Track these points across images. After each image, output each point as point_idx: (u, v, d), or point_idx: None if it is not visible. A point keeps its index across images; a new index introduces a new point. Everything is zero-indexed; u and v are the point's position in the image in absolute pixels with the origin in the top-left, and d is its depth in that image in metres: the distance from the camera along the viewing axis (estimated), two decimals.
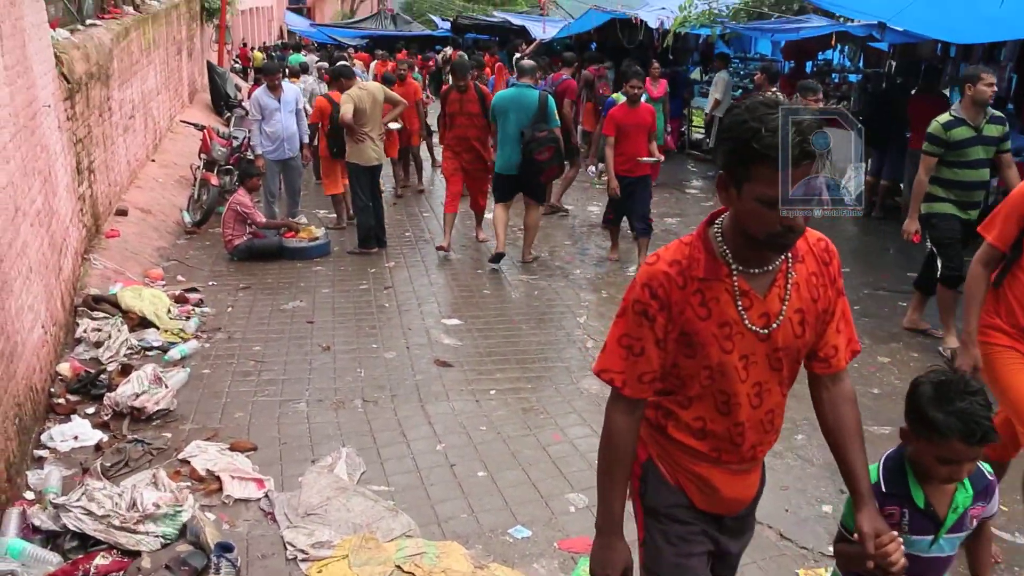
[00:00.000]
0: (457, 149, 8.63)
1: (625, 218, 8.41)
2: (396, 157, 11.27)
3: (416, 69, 15.73)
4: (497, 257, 8.27)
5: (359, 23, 31.31)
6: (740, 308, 2.06)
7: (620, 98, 8.37)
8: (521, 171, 7.99)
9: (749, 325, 2.07)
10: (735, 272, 2.06)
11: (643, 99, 8.16)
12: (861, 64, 13.83)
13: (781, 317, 2.08)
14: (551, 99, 8.18)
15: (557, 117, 8.15)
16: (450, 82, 9.28)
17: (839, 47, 13.49)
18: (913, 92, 9.76)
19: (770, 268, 2.08)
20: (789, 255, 2.09)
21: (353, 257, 8.72)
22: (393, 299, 7.47)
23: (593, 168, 10.61)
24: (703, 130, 15.08)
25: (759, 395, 2.15)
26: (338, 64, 11.06)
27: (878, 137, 9.53)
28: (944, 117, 6.02)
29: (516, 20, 20.37)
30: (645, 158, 8.03)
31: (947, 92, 10.14)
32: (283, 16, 45.03)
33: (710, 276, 2.06)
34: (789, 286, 2.09)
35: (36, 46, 6.15)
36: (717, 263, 2.06)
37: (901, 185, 10.22)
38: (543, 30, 17.77)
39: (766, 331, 2.09)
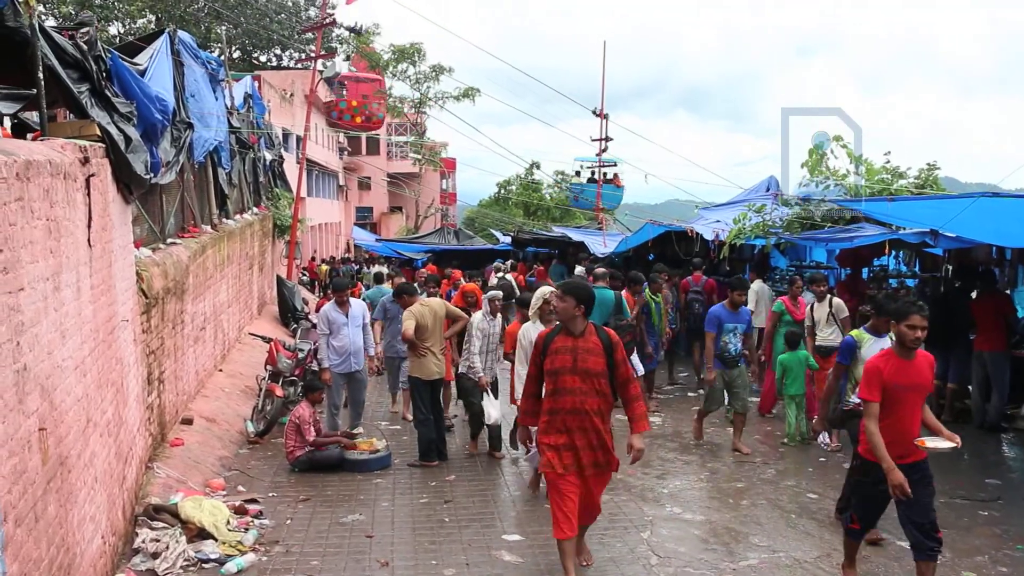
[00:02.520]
0: (567, 426, 5.51)
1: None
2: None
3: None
4: None
5: (423, 238, 32.69)
6: None
7: (864, 337, 6.99)
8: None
9: None
10: None
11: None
12: (917, 268, 13.87)
13: None
14: (623, 297, 10.50)
15: (627, 310, 10.46)
16: (516, 316, 8.94)
17: (894, 253, 13.60)
18: (974, 295, 9.81)
19: None
20: None
21: (413, 470, 8.64)
22: (453, 513, 7.30)
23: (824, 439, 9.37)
24: None
25: None
26: (402, 283, 11.46)
27: (941, 340, 9.43)
28: None
29: (575, 235, 21.06)
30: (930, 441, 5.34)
31: (1009, 292, 10.13)
32: (351, 231, 47.43)
33: None
34: None
35: (120, 265, 6.53)
36: None
37: (969, 387, 10.01)
38: (603, 244, 18.30)
39: None
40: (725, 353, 9.10)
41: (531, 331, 7.70)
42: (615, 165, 41.54)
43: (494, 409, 8.78)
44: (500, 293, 9.24)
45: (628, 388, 5.58)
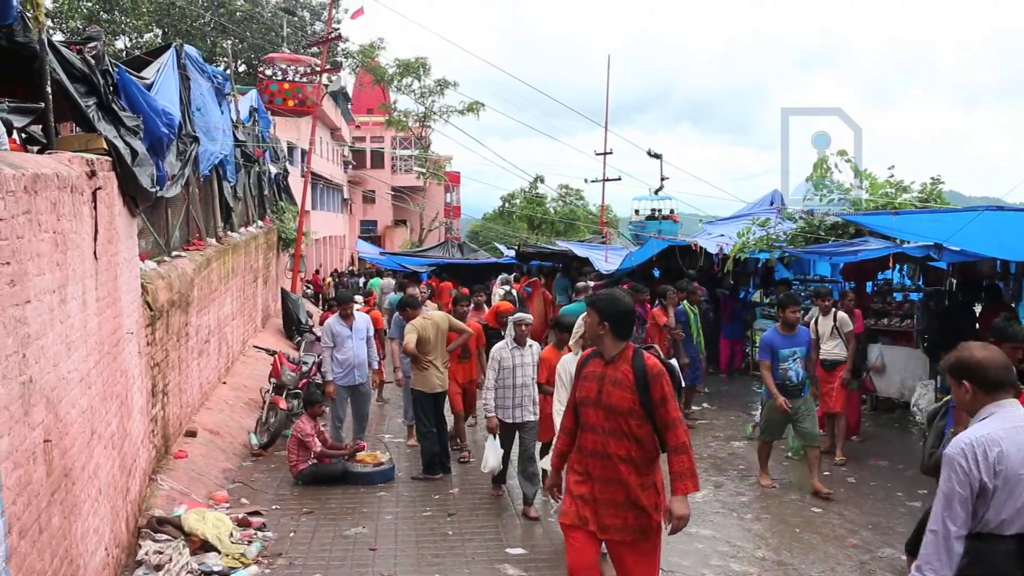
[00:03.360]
0: (588, 472, 4.50)
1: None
2: (462, 412, 9.80)
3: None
4: None
5: (427, 251, 32.73)
6: None
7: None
8: None
9: None
10: None
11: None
12: (921, 282, 13.86)
13: None
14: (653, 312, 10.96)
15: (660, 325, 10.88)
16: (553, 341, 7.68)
17: (898, 267, 13.60)
18: (980, 309, 9.79)
19: None
20: None
21: (417, 483, 8.63)
22: (457, 527, 7.29)
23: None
24: None
25: None
26: (405, 295, 11.47)
27: (944, 354, 9.39)
28: None
29: (579, 250, 21.07)
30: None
31: (1013, 306, 10.11)
32: (355, 244, 47.54)
33: None
34: None
35: (126, 277, 6.55)
36: None
37: None
38: (605, 259, 18.30)
39: None
40: (787, 382, 8.09)
41: (571, 363, 6.07)
42: (671, 200, 43.83)
43: (493, 456, 7.68)
44: (528, 317, 8.06)
45: (669, 435, 4.29)
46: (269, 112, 23.46)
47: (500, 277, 22.15)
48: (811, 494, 7.95)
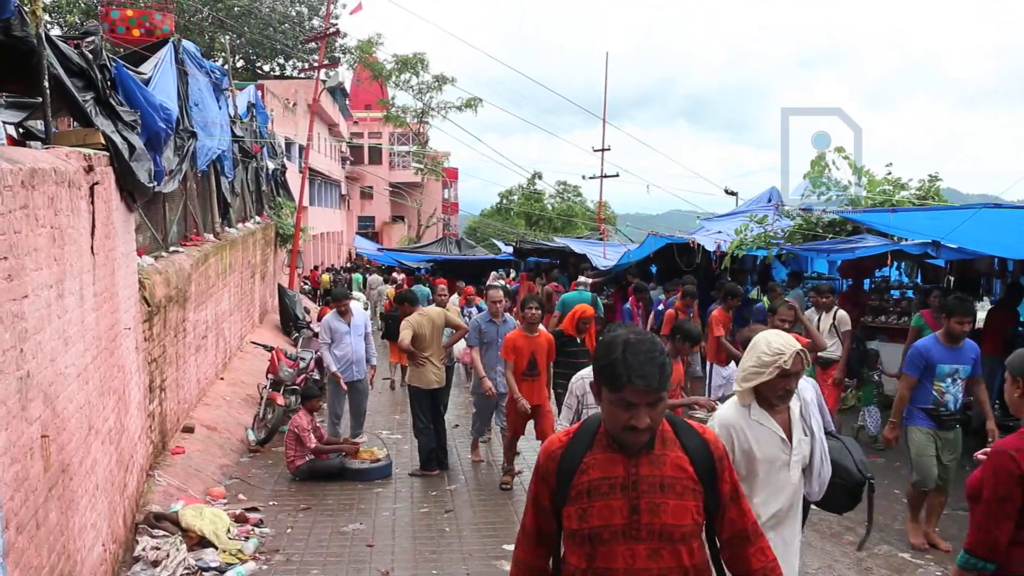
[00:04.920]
0: None
1: None
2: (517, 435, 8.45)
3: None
4: None
5: (424, 247, 32.74)
6: None
7: None
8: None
9: None
10: None
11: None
12: (919, 280, 13.88)
13: None
14: (598, 297, 11.96)
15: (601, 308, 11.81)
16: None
17: (896, 264, 13.62)
18: (994, 303, 9.91)
19: None
20: None
21: (414, 479, 8.63)
22: (454, 523, 7.29)
23: None
24: None
25: None
26: (403, 291, 11.48)
27: None
28: None
29: (577, 247, 21.10)
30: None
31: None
32: (352, 240, 47.54)
33: None
34: None
35: (123, 273, 6.54)
36: None
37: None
38: (603, 255, 18.31)
39: None
40: (940, 408, 6.33)
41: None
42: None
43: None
44: (499, 292, 8.87)
45: (752, 552, 2.64)
46: (269, 110, 23.41)
47: (492, 274, 22.21)
48: (928, 544, 6.47)
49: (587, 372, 5.56)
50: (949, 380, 6.30)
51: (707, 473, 2.55)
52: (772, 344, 3.60)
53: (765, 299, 11.57)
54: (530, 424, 8.24)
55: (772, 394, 3.63)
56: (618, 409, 2.44)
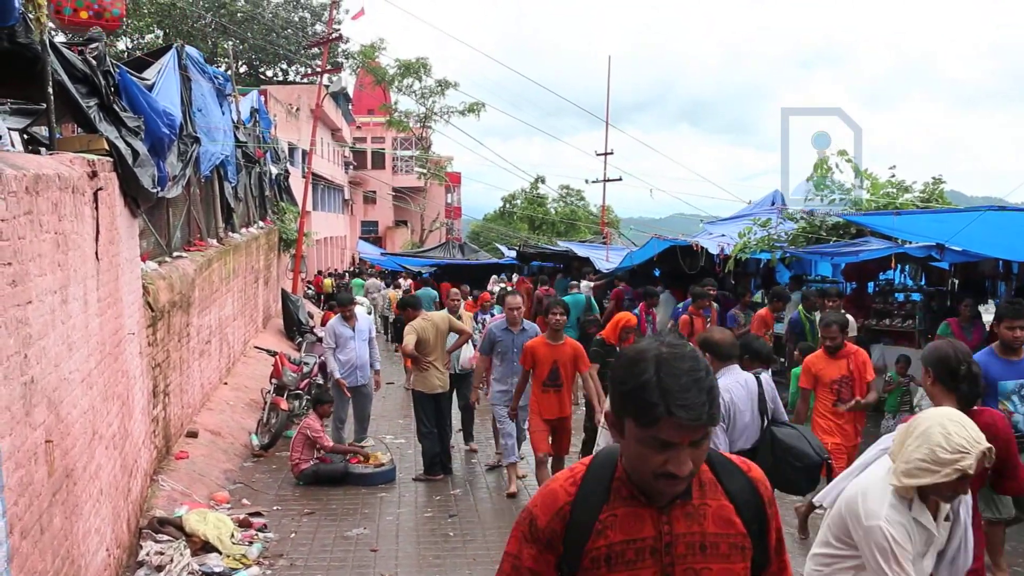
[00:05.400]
0: None
1: None
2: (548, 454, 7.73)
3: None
4: None
5: (428, 252, 32.75)
6: None
7: None
8: (578, 340, 8.52)
9: None
10: None
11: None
12: (923, 282, 13.86)
13: None
14: (592, 299, 13.24)
15: (596, 308, 13.14)
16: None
17: (900, 267, 13.61)
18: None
19: None
20: None
21: (418, 484, 8.63)
22: (458, 528, 7.29)
23: None
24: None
25: None
26: (407, 296, 11.49)
27: None
28: None
29: (580, 250, 21.10)
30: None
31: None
32: (356, 245, 47.58)
33: None
34: None
35: (127, 278, 6.55)
36: None
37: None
38: (606, 259, 18.32)
39: None
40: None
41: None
42: None
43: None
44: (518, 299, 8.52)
45: None
46: (272, 115, 23.44)
47: (492, 278, 22.27)
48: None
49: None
50: (1016, 398, 5.37)
51: (756, 524, 2.04)
52: (952, 439, 2.86)
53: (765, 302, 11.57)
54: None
55: (939, 494, 2.98)
56: (649, 450, 1.85)
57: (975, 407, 3.72)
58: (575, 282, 14.98)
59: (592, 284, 15.19)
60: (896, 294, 13.27)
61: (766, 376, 5.15)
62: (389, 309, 21.47)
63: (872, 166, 12.53)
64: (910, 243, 10.05)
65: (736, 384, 4.96)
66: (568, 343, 7.59)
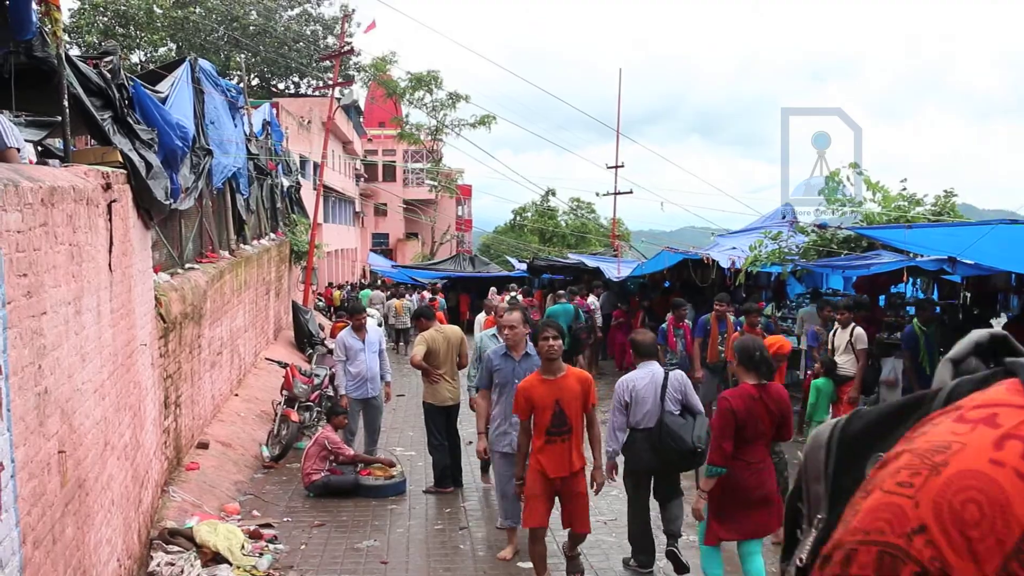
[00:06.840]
0: None
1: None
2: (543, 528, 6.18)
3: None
4: None
5: (438, 264, 32.81)
6: None
7: None
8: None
9: None
10: None
11: None
12: (935, 296, 13.80)
13: None
14: (579, 309, 14.05)
15: (583, 316, 13.91)
16: None
17: (911, 280, 13.56)
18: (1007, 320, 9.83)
19: None
20: None
21: (429, 496, 8.62)
22: (468, 540, 7.27)
23: None
24: None
25: None
26: (420, 306, 11.49)
27: None
28: None
29: (591, 262, 21.11)
30: None
31: None
32: (367, 257, 47.67)
33: None
34: None
35: (140, 289, 6.59)
36: None
37: None
38: (617, 271, 18.32)
39: None
40: None
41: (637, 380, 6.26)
42: None
43: None
44: (514, 317, 6.90)
45: None
46: (284, 128, 23.57)
47: (491, 290, 22.28)
48: None
49: (631, 375, 6.26)
50: None
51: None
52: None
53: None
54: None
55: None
56: None
57: (766, 382, 5.28)
58: (561, 292, 15.70)
59: (574, 290, 15.76)
60: (908, 307, 13.24)
61: (678, 373, 6.29)
62: (396, 316, 21.60)
63: (884, 178, 12.51)
64: (922, 256, 10.02)
65: (643, 376, 6.13)
66: (571, 374, 5.82)
